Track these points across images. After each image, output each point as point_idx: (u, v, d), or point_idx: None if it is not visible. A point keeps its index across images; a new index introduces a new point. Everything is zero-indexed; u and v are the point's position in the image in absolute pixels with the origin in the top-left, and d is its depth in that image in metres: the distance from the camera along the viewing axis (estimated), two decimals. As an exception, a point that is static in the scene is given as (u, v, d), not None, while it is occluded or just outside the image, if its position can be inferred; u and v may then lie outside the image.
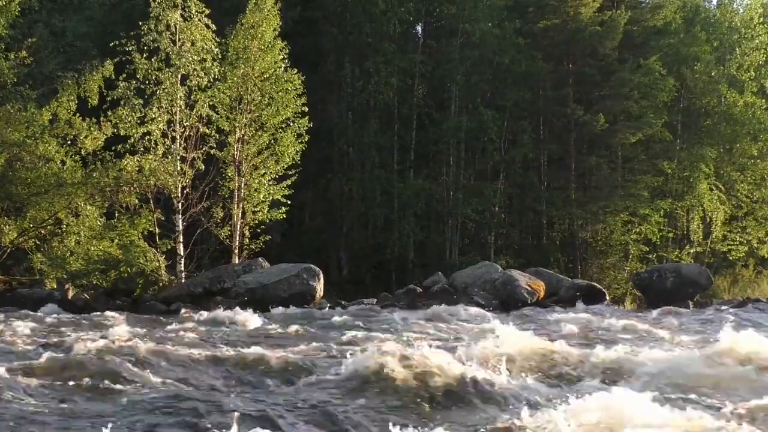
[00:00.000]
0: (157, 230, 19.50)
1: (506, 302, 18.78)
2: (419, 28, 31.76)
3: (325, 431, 4.95)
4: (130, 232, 19.05)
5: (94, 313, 14.37)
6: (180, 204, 19.87)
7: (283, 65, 21.21)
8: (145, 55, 19.48)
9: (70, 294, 17.95)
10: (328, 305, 18.03)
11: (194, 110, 19.97)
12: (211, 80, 20.16)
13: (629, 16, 31.14)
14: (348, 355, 7.14)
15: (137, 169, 19.13)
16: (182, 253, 19.80)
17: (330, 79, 28.54)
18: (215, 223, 20.27)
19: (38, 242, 19.23)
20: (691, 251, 31.41)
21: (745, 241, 32.86)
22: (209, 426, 5.05)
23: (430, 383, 5.85)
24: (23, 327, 10.90)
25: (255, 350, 7.80)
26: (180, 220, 19.84)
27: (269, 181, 20.93)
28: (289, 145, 21.06)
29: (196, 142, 20.09)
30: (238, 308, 14.79)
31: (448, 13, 30.03)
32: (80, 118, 19.53)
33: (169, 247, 19.52)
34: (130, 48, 19.27)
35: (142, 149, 19.28)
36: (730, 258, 32.64)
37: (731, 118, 32.47)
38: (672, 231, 31.79)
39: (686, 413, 4.89)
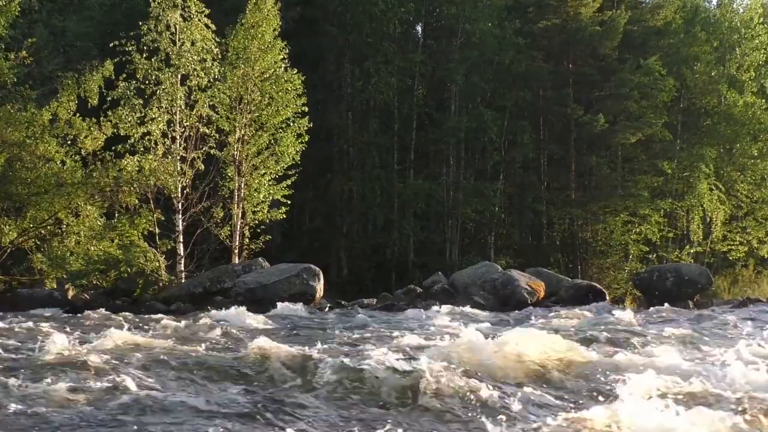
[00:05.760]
0: (157, 230, 19.51)
1: (506, 302, 18.77)
2: (419, 28, 31.79)
3: (320, 430, 4.95)
4: (130, 232, 19.06)
5: (94, 313, 14.36)
6: (180, 204, 19.88)
7: (283, 65, 21.21)
8: (145, 55, 19.50)
9: (70, 294, 17.95)
10: (328, 305, 18.04)
11: (194, 110, 19.99)
12: (211, 80, 20.18)
13: (629, 16, 31.20)
14: (346, 356, 7.14)
15: (137, 169, 19.15)
16: (182, 253, 19.81)
17: (330, 79, 28.56)
18: (215, 223, 20.28)
19: (38, 242, 19.23)
20: (691, 251, 31.42)
21: (745, 241, 32.88)
22: (208, 425, 5.06)
23: (424, 387, 5.85)
24: (23, 327, 10.90)
25: (254, 350, 7.80)
26: (180, 220, 19.85)
27: (269, 181, 20.94)
28: (289, 145, 21.07)
29: (196, 142, 20.11)
30: (237, 308, 14.78)
31: (448, 13, 30.06)
32: (80, 118, 19.53)
33: (169, 247, 19.53)
34: (130, 48, 19.29)
35: (142, 149, 19.30)
36: (730, 258, 32.65)
37: (731, 118, 32.49)
38: (672, 231, 31.81)
39: (680, 415, 4.89)
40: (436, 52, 30.00)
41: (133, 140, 19.22)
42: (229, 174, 20.62)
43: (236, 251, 20.58)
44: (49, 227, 19.21)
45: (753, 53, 33.96)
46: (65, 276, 18.38)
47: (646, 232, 30.21)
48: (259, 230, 20.86)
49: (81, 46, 24.90)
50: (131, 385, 6.25)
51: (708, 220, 32.22)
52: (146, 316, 14.66)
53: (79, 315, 14.42)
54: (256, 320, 13.03)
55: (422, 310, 16.08)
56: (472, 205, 28.49)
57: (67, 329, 10.65)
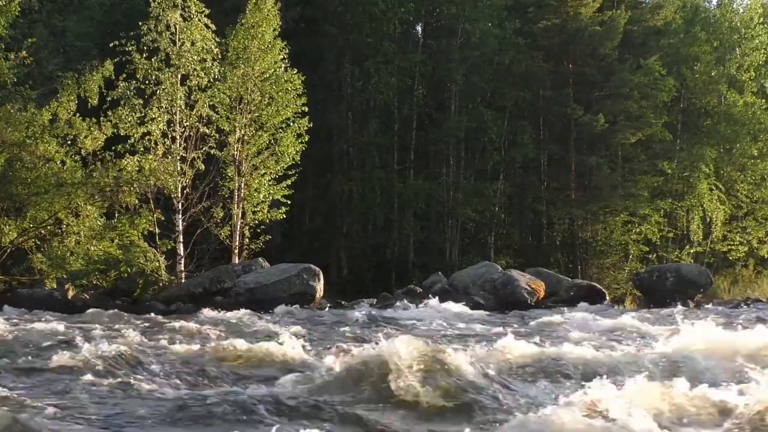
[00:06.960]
0: (157, 230, 19.51)
1: (506, 302, 18.78)
2: (419, 28, 31.78)
3: (319, 429, 4.96)
4: (130, 232, 19.06)
5: (94, 314, 14.36)
6: (180, 204, 19.88)
7: (283, 65, 21.21)
8: (145, 55, 19.50)
9: (70, 294, 17.94)
10: (328, 305, 18.05)
11: (194, 110, 19.98)
12: (211, 80, 20.18)
13: (629, 16, 31.22)
14: (344, 355, 7.15)
15: (137, 169, 19.15)
16: (182, 253, 19.81)
17: (330, 79, 28.56)
18: (215, 223, 20.27)
19: (38, 242, 19.23)
20: (691, 251, 31.43)
21: (745, 241, 32.89)
22: (206, 425, 5.07)
23: (422, 384, 5.85)
24: (23, 327, 10.90)
25: (254, 350, 7.82)
26: (180, 220, 19.85)
27: (269, 181, 20.94)
28: (289, 145, 21.06)
29: (196, 142, 20.11)
30: (237, 308, 14.79)
31: (448, 13, 30.07)
32: (80, 118, 19.53)
33: (169, 247, 19.53)
34: (130, 48, 19.29)
35: (142, 149, 19.30)
36: (730, 258, 32.66)
37: (731, 118, 32.51)
38: (672, 231, 31.81)
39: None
40: (436, 52, 29.99)
41: (133, 140, 19.22)
42: (229, 174, 20.62)
43: (236, 251, 20.58)
44: (49, 227, 19.21)
45: (753, 53, 33.97)
46: (65, 276, 18.38)
47: (646, 232, 30.22)
48: (259, 230, 20.85)
49: (81, 46, 24.89)
50: (130, 385, 6.26)
51: (708, 220, 32.23)
52: (146, 316, 14.67)
53: (79, 315, 14.42)
54: (256, 320, 13.03)
55: (421, 310, 16.09)
56: (472, 205, 28.49)
57: (67, 329, 10.65)
